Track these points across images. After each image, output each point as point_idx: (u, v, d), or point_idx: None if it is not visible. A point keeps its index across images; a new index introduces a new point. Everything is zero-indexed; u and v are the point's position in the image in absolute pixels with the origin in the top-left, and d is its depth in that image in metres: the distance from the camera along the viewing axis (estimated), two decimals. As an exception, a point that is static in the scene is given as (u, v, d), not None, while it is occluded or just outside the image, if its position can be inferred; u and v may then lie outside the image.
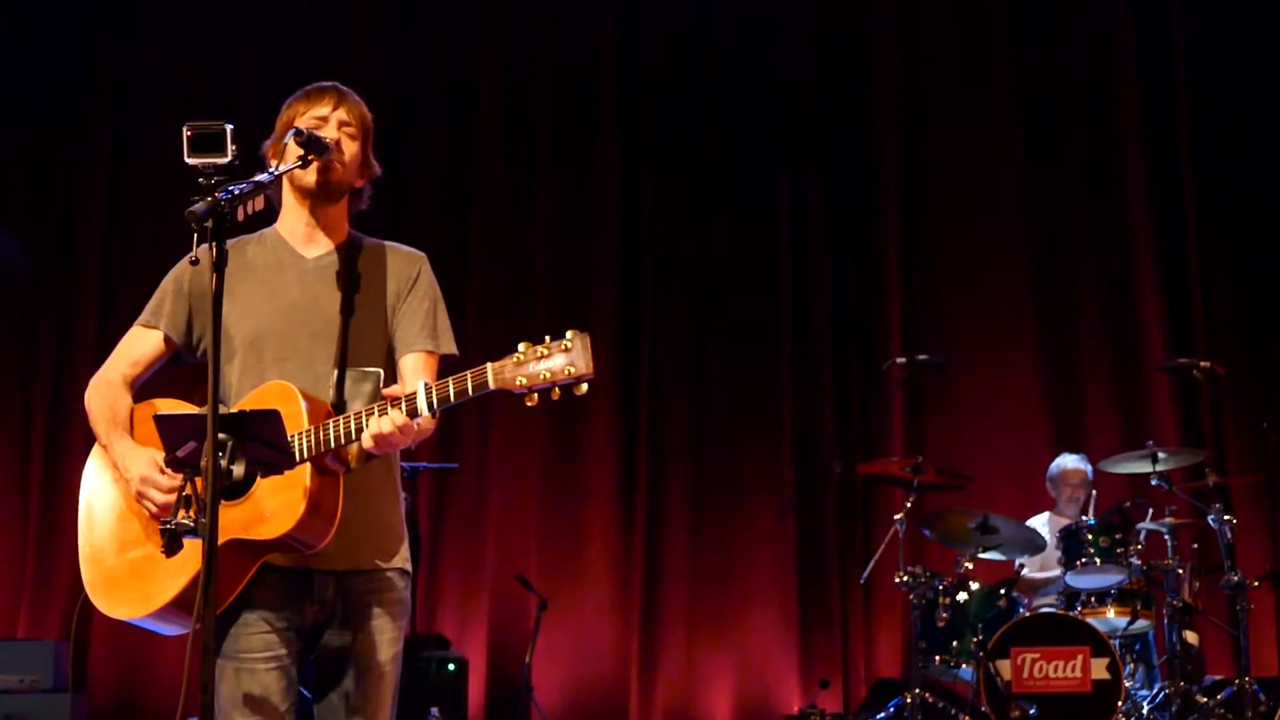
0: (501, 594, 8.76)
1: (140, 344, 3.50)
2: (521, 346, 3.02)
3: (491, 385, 3.02)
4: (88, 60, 9.24)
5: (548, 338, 3.02)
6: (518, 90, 9.42)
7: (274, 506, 3.16)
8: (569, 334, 3.00)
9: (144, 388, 3.54)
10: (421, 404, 3.06)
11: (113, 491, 3.40)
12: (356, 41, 9.36)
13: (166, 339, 3.48)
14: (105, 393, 3.45)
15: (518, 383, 3.00)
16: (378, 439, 3.10)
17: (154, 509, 3.26)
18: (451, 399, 3.06)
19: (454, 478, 8.77)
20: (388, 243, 3.58)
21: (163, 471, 3.24)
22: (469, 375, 3.05)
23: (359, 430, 3.13)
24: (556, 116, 9.40)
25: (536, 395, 3.00)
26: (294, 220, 3.51)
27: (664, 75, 9.45)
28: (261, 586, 3.29)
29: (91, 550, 3.40)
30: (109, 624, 8.09)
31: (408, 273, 3.51)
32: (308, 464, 3.15)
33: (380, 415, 3.10)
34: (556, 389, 2.99)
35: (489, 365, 3.03)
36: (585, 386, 2.99)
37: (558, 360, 2.98)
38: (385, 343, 3.45)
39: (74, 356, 8.81)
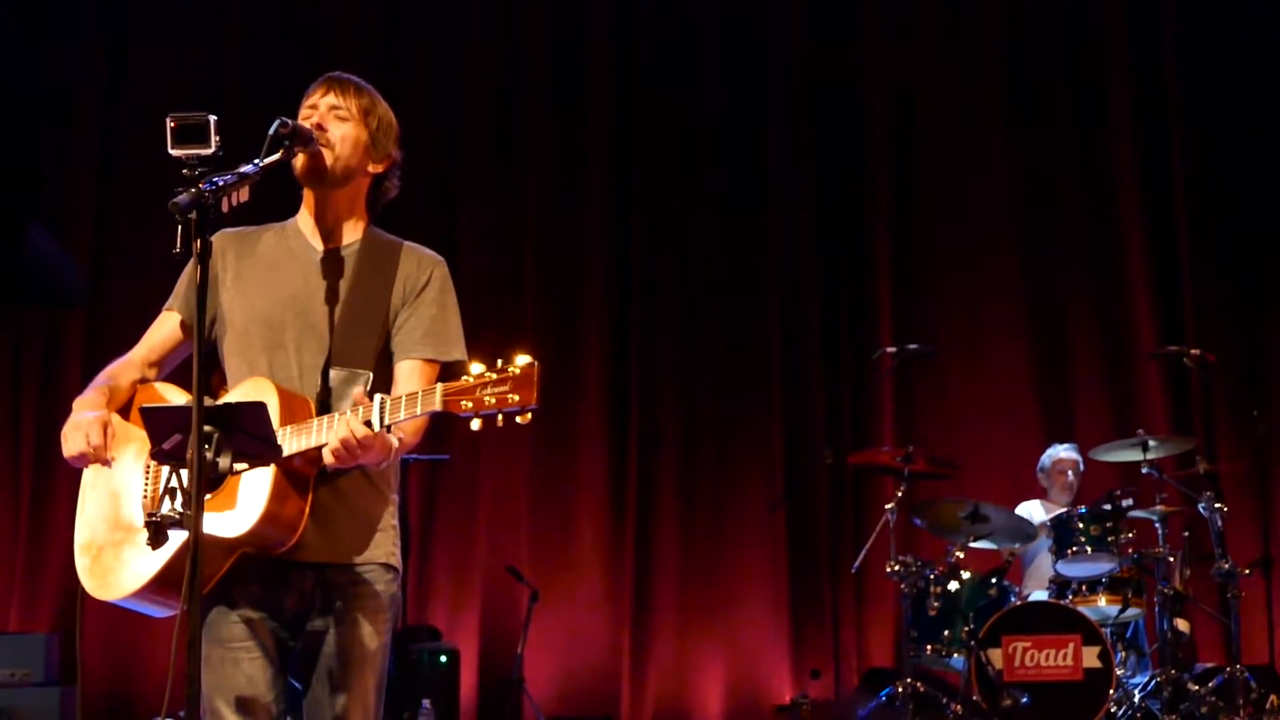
0: (493, 585, 8.75)
1: (162, 327, 3.52)
2: (475, 369, 3.01)
3: (438, 406, 3.02)
4: (78, 59, 9.21)
5: (499, 362, 3.00)
6: (509, 83, 9.41)
7: (239, 505, 3.16)
8: (520, 359, 2.99)
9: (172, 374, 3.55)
10: (375, 418, 3.07)
11: (105, 473, 3.40)
12: (346, 35, 9.33)
13: (181, 322, 3.49)
14: (117, 366, 3.47)
15: (463, 406, 2.99)
16: (336, 454, 3.10)
17: (69, 451, 3.26)
18: (402, 417, 3.08)
19: (444, 469, 8.76)
20: (406, 243, 3.54)
21: (106, 428, 3.25)
22: (420, 395, 3.06)
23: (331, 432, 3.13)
24: (548, 108, 9.38)
25: (480, 420, 2.99)
26: (307, 211, 3.50)
27: (656, 65, 9.43)
28: (242, 577, 3.29)
29: (83, 532, 3.42)
30: (101, 616, 8.09)
31: (417, 277, 3.47)
32: (273, 465, 3.15)
33: (333, 428, 3.10)
34: (500, 416, 2.99)
35: (439, 386, 3.03)
36: (529, 416, 2.99)
37: (503, 388, 2.97)
38: (380, 343, 3.41)
39: (63, 351, 8.78)
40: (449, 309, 3.49)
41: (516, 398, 2.96)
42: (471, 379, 3.00)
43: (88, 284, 8.89)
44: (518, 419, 2.99)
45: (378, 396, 3.08)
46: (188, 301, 3.46)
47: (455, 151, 9.31)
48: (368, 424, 3.07)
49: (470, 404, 2.98)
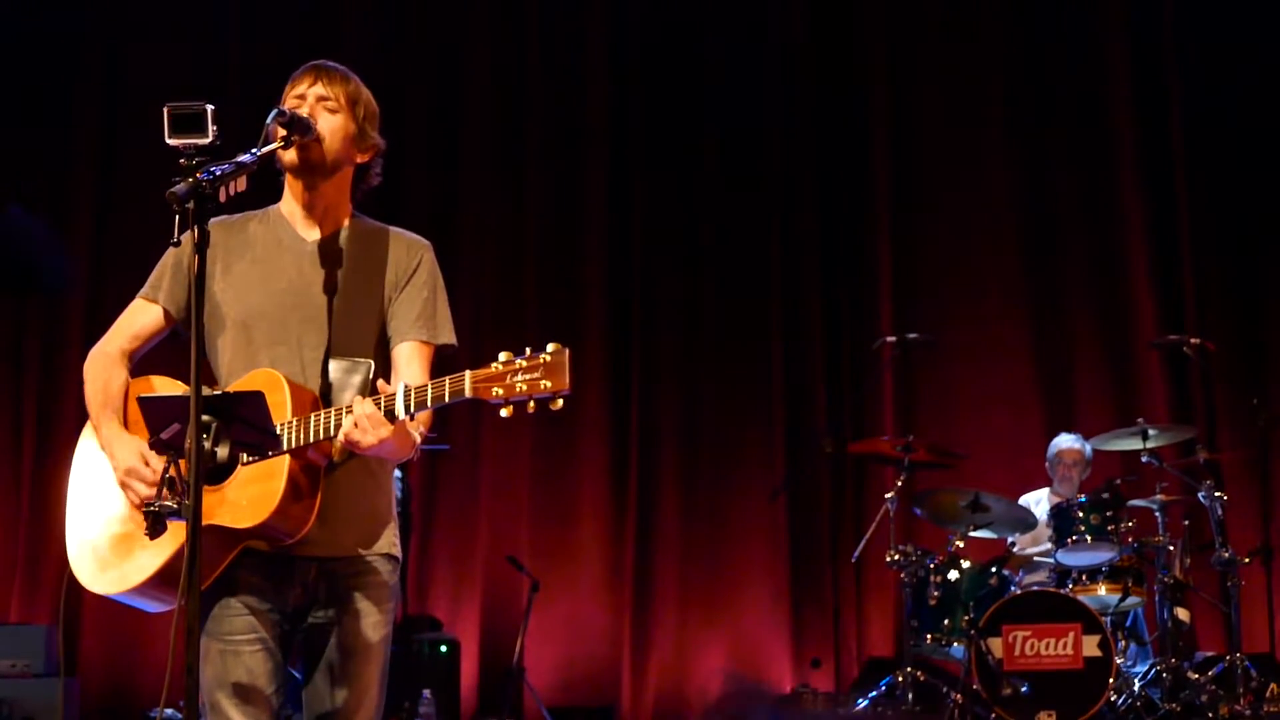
0: (493, 575, 8.76)
1: (140, 317, 3.48)
2: (502, 356, 2.99)
3: (468, 394, 3.00)
4: (76, 47, 9.21)
5: (528, 349, 2.98)
6: (509, 83, 9.39)
7: (252, 495, 3.14)
8: (550, 347, 2.97)
9: (145, 362, 3.53)
10: (399, 406, 3.05)
11: (102, 466, 3.38)
12: (343, 31, 9.32)
13: (165, 313, 3.45)
14: (102, 367, 3.42)
15: (494, 393, 2.98)
16: (348, 436, 3.08)
17: (136, 500, 3.24)
18: (429, 404, 3.05)
19: (445, 459, 8.76)
20: (392, 229, 3.53)
21: (147, 464, 3.22)
22: (447, 381, 3.03)
23: (339, 427, 3.11)
24: (546, 97, 9.37)
25: (511, 407, 2.98)
26: (293, 201, 3.47)
27: (656, 64, 9.42)
28: (244, 569, 3.28)
29: (77, 524, 3.40)
30: (100, 608, 8.08)
31: (408, 261, 3.46)
32: (288, 455, 3.13)
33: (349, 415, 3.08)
34: (532, 403, 2.97)
35: (467, 373, 3.01)
36: (560, 402, 2.97)
37: (535, 374, 2.96)
38: (378, 331, 3.40)
39: (64, 343, 8.80)
40: (439, 293, 3.49)
41: (549, 383, 2.94)
42: (501, 366, 2.98)
43: (72, 271, 8.86)
44: (550, 406, 2.97)
45: (401, 384, 3.08)
46: (173, 292, 3.44)
47: (455, 151, 9.30)
48: (391, 413, 3.06)
49: (501, 390, 2.97)
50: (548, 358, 2.96)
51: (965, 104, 9.35)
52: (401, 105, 9.08)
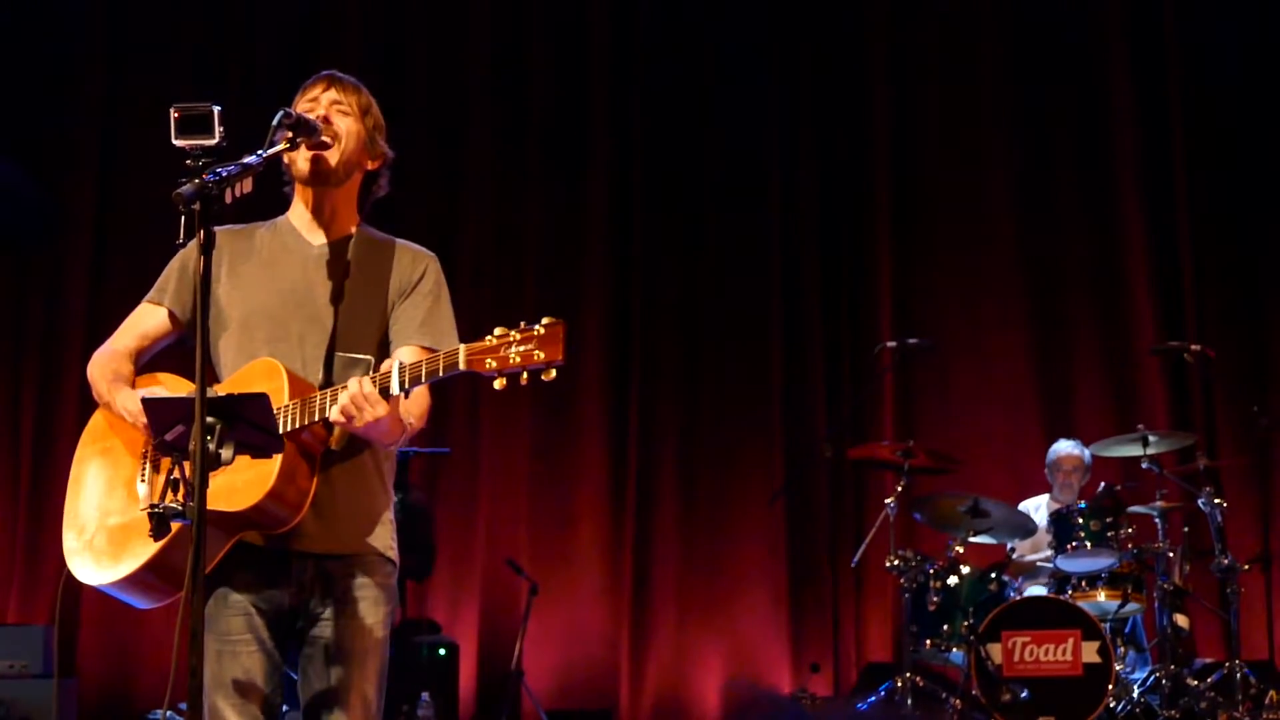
0: (492, 579, 8.76)
1: (147, 319, 3.52)
2: (497, 330, 3.02)
3: (461, 366, 3.03)
4: (78, 39, 9.21)
5: (522, 323, 3.02)
6: (509, 82, 9.40)
7: (246, 478, 3.15)
8: (544, 320, 3.00)
9: (148, 366, 3.54)
10: (394, 383, 3.08)
11: (101, 460, 3.41)
12: (346, 35, 9.32)
13: (172, 315, 3.49)
14: (109, 360, 3.46)
15: (488, 365, 3.00)
16: (344, 409, 3.10)
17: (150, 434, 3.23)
18: (423, 378, 3.09)
19: (444, 463, 8.76)
20: (398, 240, 3.57)
21: None
22: (441, 355, 3.07)
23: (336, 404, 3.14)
24: (549, 106, 9.38)
25: (505, 379, 3.00)
26: (301, 208, 3.52)
27: (656, 64, 9.42)
28: (240, 568, 3.29)
29: (74, 516, 3.42)
30: (98, 609, 8.05)
31: (412, 272, 3.50)
32: (283, 437, 3.15)
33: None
34: (525, 374, 2.99)
35: (461, 346, 3.05)
36: (554, 373, 2.99)
37: (529, 345, 2.98)
38: (379, 334, 3.44)
39: (63, 345, 8.79)
40: (443, 302, 3.53)
41: (542, 354, 2.97)
42: (495, 339, 3.01)
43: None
44: (542, 376, 2.99)
45: (396, 361, 3.10)
46: (179, 295, 3.48)
47: (455, 151, 9.30)
48: (385, 390, 3.09)
49: (494, 362, 3.00)
50: (541, 329, 2.99)
51: (965, 105, 9.35)
52: (400, 110, 9.07)
